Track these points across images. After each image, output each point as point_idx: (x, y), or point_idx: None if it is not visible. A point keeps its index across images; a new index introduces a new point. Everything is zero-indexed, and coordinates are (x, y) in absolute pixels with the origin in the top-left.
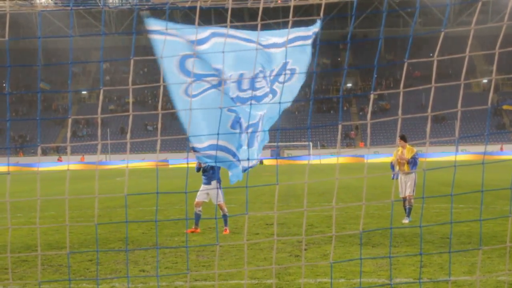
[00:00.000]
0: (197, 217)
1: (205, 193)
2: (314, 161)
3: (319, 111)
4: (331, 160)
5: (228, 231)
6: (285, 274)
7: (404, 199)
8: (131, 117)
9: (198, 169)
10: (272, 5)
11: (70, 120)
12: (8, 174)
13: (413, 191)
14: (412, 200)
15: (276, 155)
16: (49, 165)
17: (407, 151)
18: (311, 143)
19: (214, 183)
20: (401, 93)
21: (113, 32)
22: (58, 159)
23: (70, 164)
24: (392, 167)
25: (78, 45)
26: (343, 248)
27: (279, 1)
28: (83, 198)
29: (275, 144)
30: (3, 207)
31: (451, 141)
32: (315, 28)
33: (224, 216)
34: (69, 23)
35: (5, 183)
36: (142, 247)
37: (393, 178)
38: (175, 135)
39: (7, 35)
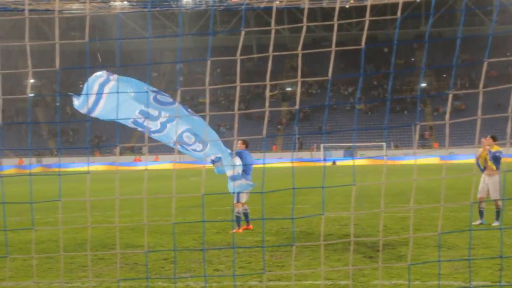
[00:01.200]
0: (240, 217)
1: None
2: (390, 161)
3: (392, 112)
4: (407, 161)
5: (251, 226)
6: (359, 276)
7: (482, 200)
8: (208, 117)
9: None
10: (348, 5)
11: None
12: (88, 173)
13: (499, 194)
14: (500, 203)
15: (351, 155)
16: (126, 165)
17: (494, 150)
18: (384, 144)
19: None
20: (481, 93)
21: (190, 33)
22: (135, 159)
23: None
24: (478, 164)
25: (152, 46)
26: (418, 250)
27: (352, 1)
28: (158, 197)
29: (350, 144)
30: (81, 206)
31: None
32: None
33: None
34: (143, 24)
35: (81, 182)
36: (216, 246)
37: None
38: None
39: (87, 37)
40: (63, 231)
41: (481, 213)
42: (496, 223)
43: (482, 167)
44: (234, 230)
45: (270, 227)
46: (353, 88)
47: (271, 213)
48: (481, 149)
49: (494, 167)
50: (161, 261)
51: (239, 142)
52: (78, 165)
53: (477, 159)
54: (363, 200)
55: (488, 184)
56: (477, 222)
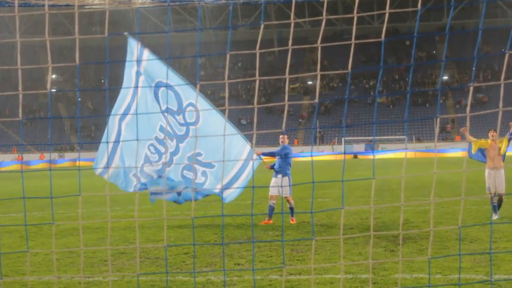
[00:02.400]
0: (271, 210)
1: (276, 187)
2: (433, 154)
3: (414, 104)
4: (428, 154)
5: (294, 220)
6: (380, 269)
7: (494, 195)
8: (227, 111)
9: (272, 167)
10: None
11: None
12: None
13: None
14: (504, 197)
15: (371, 149)
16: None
17: (500, 142)
18: (406, 137)
19: (280, 176)
20: (502, 85)
21: (209, 27)
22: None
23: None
24: (471, 147)
25: (173, 41)
26: (439, 243)
27: None
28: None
29: (371, 138)
30: (100, 200)
31: None
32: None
33: (291, 208)
34: (164, 19)
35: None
36: (236, 240)
37: (470, 157)
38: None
39: (106, 32)
40: (85, 226)
41: (495, 208)
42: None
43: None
44: (263, 222)
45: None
46: (374, 81)
47: None
48: (483, 141)
49: (500, 163)
50: (182, 255)
51: (284, 136)
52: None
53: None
54: (385, 194)
55: (496, 177)
56: (495, 217)
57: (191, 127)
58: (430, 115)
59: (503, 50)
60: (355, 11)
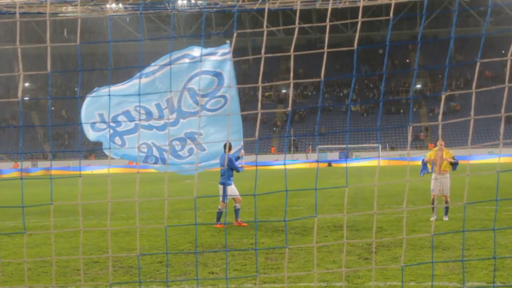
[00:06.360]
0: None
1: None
2: (384, 161)
3: (388, 113)
4: (402, 162)
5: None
6: (354, 277)
7: (434, 198)
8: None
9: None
10: (340, 6)
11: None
12: (80, 177)
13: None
14: (449, 199)
15: (345, 157)
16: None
17: (445, 152)
18: (380, 145)
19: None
20: (474, 94)
21: (182, 36)
22: (129, 162)
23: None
24: (424, 164)
25: (147, 49)
26: (413, 251)
27: (347, 3)
28: (152, 200)
29: (344, 146)
30: (74, 209)
31: None
32: (225, 49)
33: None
34: (138, 27)
35: (76, 185)
36: (211, 249)
37: (421, 175)
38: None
39: (78, 40)
40: (59, 235)
41: (433, 209)
42: (446, 218)
43: (436, 168)
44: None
45: (266, 229)
46: (348, 89)
47: (267, 215)
48: (434, 151)
49: (448, 168)
50: (156, 264)
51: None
52: (95, 167)
53: (429, 160)
54: (358, 202)
55: (443, 182)
56: (433, 218)
57: (206, 112)
58: (404, 123)
59: (475, 59)
60: (327, 20)
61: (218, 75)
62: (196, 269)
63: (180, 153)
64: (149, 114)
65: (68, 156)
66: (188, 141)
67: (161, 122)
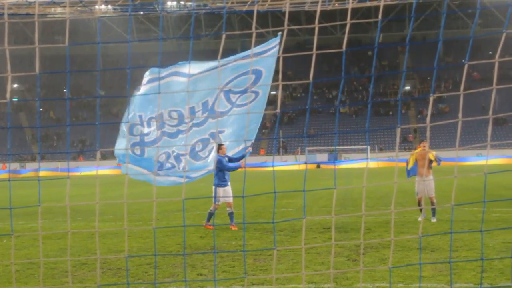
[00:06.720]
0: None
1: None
2: (373, 163)
3: (376, 114)
4: (390, 163)
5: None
6: (342, 279)
7: (421, 200)
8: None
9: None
10: (329, 8)
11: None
12: (68, 178)
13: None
14: (435, 200)
15: (334, 159)
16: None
17: (431, 155)
18: (369, 147)
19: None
20: (462, 96)
21: (170, 37)
22: (117, 164)
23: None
24: (408, 170)
25: (137, 51)
26: (401, 252)
27: (336, 4)
28: (141, 202)
29: (333, 148)
30: (63, 210)
31: None
32: (276, 41)
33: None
34: (127, 28)
35: (65, 187)
36: (199, 251)
37: (408, 178)
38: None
39: (67, 41)
40: (47, 237)
41: (421, 210)
42: (434, 219)
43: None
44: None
45: (254, 231)
46: (337, 91)
47: (256, 216)
48: (416, 154)
49: (429, 172)
50: (145, 265)
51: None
52: (86, 169)
53: (411, 163)
54: (347, 203)
55: (426, 184)
56: (421, 218)
57: (235, 109)
58: (392, 124)
59: (463, 60)
60: (316, 21)
61: (256, 72)
62: (185, 271)
63: (200, 153)
64: (181, 117)
65: (56, 157)
66: (211, 140)
67: (189, 124)
